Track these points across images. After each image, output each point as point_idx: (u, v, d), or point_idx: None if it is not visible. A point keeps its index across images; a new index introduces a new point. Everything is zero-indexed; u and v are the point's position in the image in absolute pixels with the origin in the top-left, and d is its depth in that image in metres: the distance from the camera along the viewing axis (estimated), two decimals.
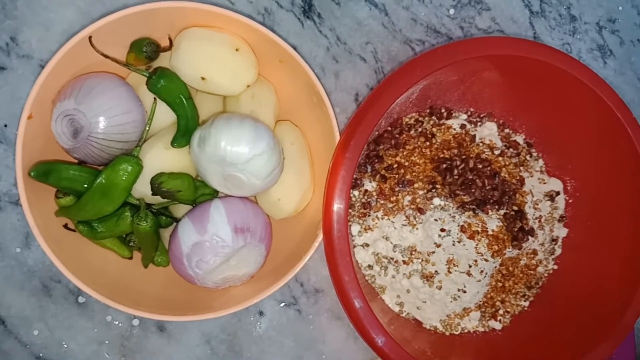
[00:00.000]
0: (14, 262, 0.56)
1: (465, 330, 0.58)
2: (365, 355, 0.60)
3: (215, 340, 0.59)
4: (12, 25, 0.57)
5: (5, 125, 0.57)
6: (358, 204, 0.57)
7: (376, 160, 0.57)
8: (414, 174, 0.56)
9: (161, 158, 0.49)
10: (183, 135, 0.50)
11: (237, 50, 0.50)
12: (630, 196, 0.55)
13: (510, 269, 0.58)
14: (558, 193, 0.60)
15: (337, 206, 0.48)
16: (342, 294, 0.48)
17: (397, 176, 0.56)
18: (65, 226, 0.51)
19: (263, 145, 0.47)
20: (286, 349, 0.59)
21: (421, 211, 0.54)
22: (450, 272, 0.54)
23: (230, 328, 0.59)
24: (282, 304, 0.60)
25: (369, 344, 0.49)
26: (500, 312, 0.58)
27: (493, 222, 0.54)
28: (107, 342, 0.57)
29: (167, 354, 0.58)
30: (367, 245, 0.57)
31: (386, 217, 0.55)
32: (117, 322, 0.57)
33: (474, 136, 0.59)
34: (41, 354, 0.57)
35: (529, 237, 0.56)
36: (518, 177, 0.58)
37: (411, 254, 0.55)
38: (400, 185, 0.55)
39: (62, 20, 0.58)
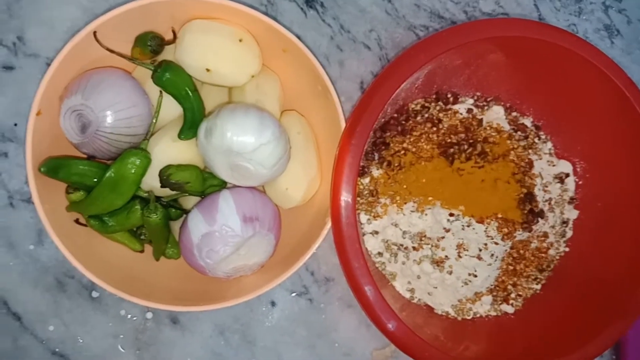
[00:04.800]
0: (28, 259, 0.57)
1: (478, 315, 0.58)
2: (377, 342, 0.60)
3: (228, 330, 0.59)
4: (18, 25, 0.57)
5: (15, 125, 0.57)
6: (366, 192, 0.57)
7: (383, 148, 0.57)
8: None
9: (169, 150, 0.50)
10: (190, 127, 0.50)
11: (240, 40, 0.50)
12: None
13: (521, 252, 0.57)
14: (568, 175, 0.60)
15: (345, 194, 0.48)
16: (352, 281, 0.48)
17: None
18: (77, 221, 0.51)
19: (269, 134, 0.47)
20: (299, 338, 0.60)
21: None
22: (460, 257, 0.54)
23: (242, 318, 0.59)
24: (294, 294, 0.60)
25: (381, 330, 0.49)
26: (512, 295, 0.58)
27: None
28: (121, 335, 0.58)
29: (181, 346, 0.58)
30: (377, 232, 0.57)
31: (395, 204, 0.55)
32: (130, 316, 0.58)
33: (481, 120, 0.58)
34: (57, 349, 0.57)
35: (539, 219, 0.56)
36: (527, 160, 0.58)
37: (421, 240, 0.55)
38: None
39: (66, 18, 0.58)
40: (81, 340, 0.58)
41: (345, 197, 0.48)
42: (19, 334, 0.57)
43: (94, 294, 0.58)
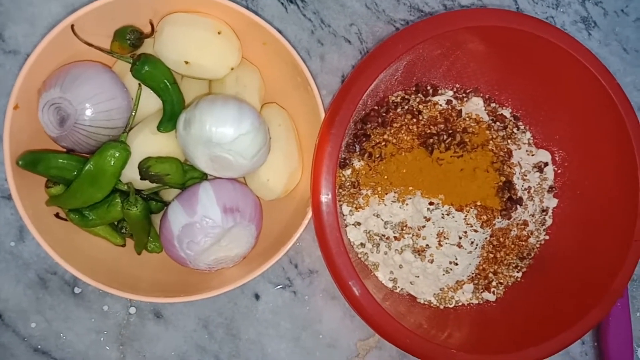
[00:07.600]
0: (9, 255, 0.57)
1: (460, 303, 0.58)
2: (362, 333, 0.61)
3: (212, 324, 0.59)
4: None
5: None
6: (348, 184, 0.57)
7: (364, 139, 0.57)
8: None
9: (149, 143, 0.50)
10: (169, 119, 0.50)
11: (219, 33, 0.50)
12: (618, 164, 0.55)
13: (501, 239, 0.58)
14: (546, 164, 0.61)
15: (325, 183, 0.48)
16: (334, 271, 0.48)
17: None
18: (57, 215, 0.51)
19: (248, 125, 0.47)
20: (283, 330, 0.60)
21: None
22: (441, 245, 0.54)
23: (226, 312, 0.59)
24: (278, 287, 0.60)
25: (365, 320, 0.49)
26: (494, 283, 0.59)
27: None
28: (105, 331, 0.58)
29: (165, 340, 0.58)
30: (359, 223, 0.57)
31: (376, 195, 0.56)
32: (113, 311, 0.58)
33: (460, 111, 0.59)
34: (40, 346, 0.57)
35: (518, 206, 0.56)
36: (505, 150, 0.58)
37: (402, 230, 0.55)
38: None
39: (47, 15, 0.58)
40: (64, 337, 0.57)
41: (325, 186, 0.48)
42: (1, 331, 0.57)
43: (76, 290, 0.57)
